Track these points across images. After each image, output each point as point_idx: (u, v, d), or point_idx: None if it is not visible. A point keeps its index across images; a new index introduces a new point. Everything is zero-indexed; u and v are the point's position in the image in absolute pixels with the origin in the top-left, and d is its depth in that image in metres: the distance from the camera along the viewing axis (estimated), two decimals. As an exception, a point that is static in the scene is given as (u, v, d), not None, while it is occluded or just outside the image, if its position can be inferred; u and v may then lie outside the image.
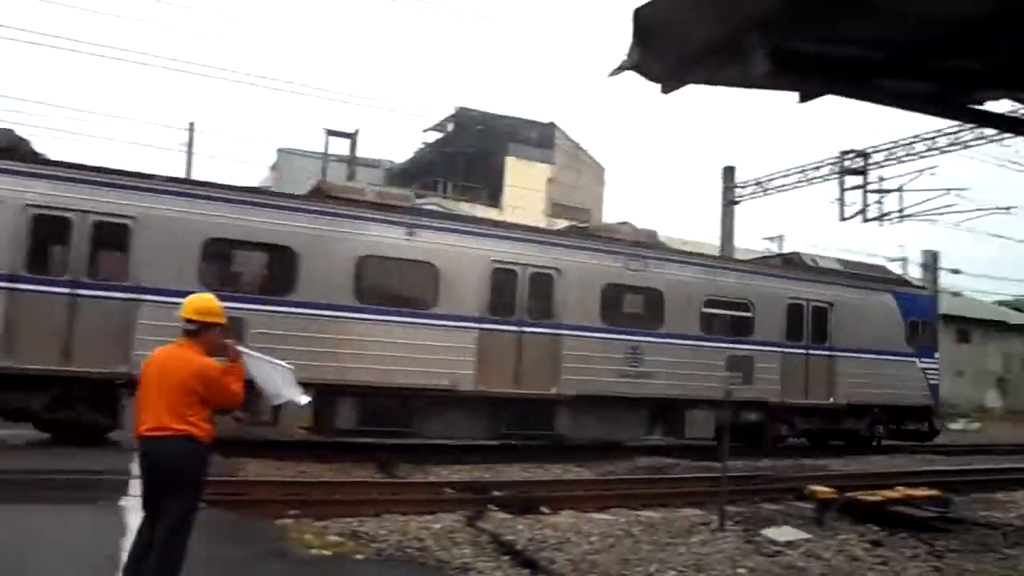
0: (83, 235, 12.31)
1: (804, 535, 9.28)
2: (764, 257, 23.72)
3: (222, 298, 5.37)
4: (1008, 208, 33.28)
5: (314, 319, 13.45)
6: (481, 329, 14.82)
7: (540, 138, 44.84)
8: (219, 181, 14.40)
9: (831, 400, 19.21)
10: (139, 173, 13.10)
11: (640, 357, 16.30)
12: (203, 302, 5.12)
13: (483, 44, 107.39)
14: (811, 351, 18.97)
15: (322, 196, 14.68)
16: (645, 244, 17.33)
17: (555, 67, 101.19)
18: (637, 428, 17.01)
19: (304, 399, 5.60)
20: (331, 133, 29.97)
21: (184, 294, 5.45)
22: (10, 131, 12.95)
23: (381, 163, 43.76)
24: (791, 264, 20.36)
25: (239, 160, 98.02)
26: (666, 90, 3.82)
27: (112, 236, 12.52)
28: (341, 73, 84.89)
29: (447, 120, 45.68)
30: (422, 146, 49.31)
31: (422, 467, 13.26)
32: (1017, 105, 4.73)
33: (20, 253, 11.91)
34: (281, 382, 5.41)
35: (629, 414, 16.75)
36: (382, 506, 9.47)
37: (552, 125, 45.69)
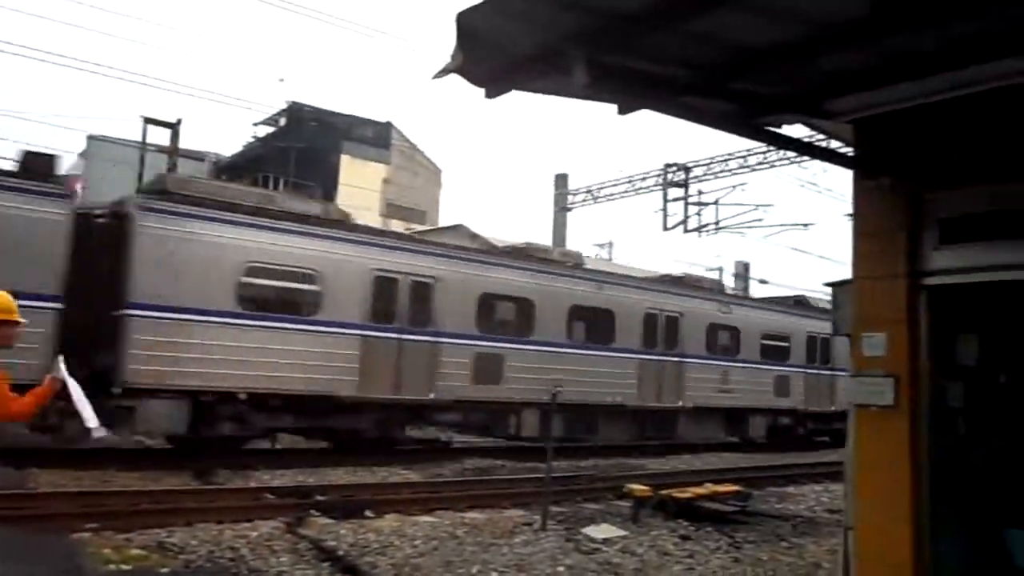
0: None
1: (621, 532, 9.69)
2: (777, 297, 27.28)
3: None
4: (806, 225, 36.83)
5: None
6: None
7: (376, 137, 44.22)
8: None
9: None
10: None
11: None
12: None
13: (317, 39, 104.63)
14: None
15: (165, 190, 13.83)
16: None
17: (391, 67, 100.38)
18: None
19: (99, 432, 5.30)
20: (149, 121, 27.98)
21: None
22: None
23: (206, 155, 41.46)
24: (800, 304, 24.87)
25: (44, 146, 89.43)
26: (490, 95, 3.86)
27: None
28: (163, 59, 79.87)
29: (279, 114, 44.08)
30: (252, 140, 47.29)
31: (243, 473, 12.69)
32: (810, 130, 5.18)
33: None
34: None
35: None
36: (195, 515, 8.92)
37: (388, 124, 45.23)
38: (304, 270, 14.26)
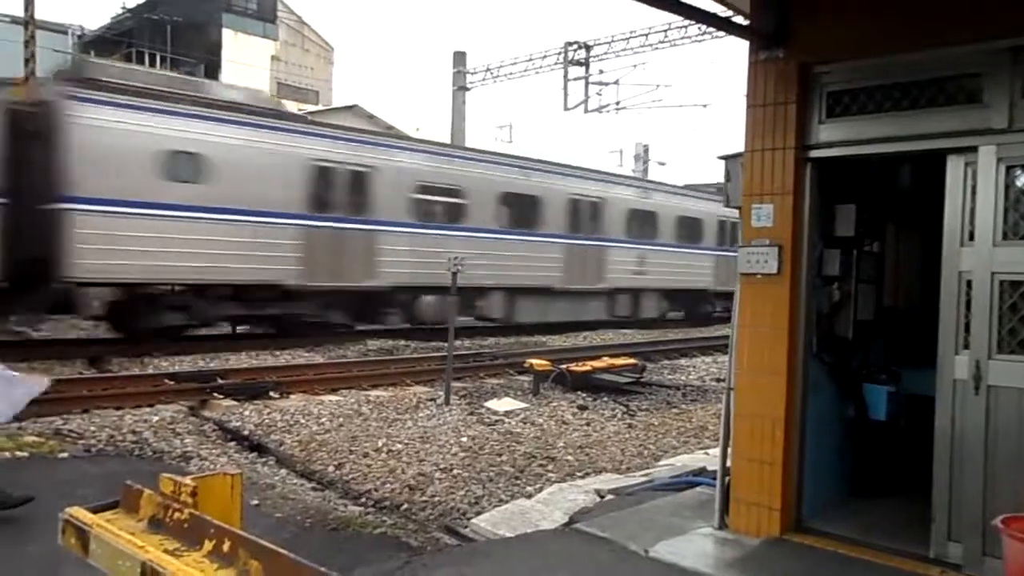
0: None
1: (521, 404, 10.11)
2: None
3: None
4: (705, 105, 37.60)
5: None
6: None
7: (260, 10, 41.48)
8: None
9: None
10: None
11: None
12: None
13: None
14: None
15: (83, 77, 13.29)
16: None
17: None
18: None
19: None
20: (1, -12, 25.18)
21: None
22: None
23: (69, 28, 38.00)
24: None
25: None
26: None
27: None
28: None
29: (150, -17, 40.60)
30: (120, 11, 43.52)
31: (140, 360, 12.43)
32: (713, 2, 5.19)
33: None
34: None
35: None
36: (92, 402, 8.76)
37: (274, -4, 42.44)
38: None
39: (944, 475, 4.34)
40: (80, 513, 2.30)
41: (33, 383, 5.03)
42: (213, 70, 38.52)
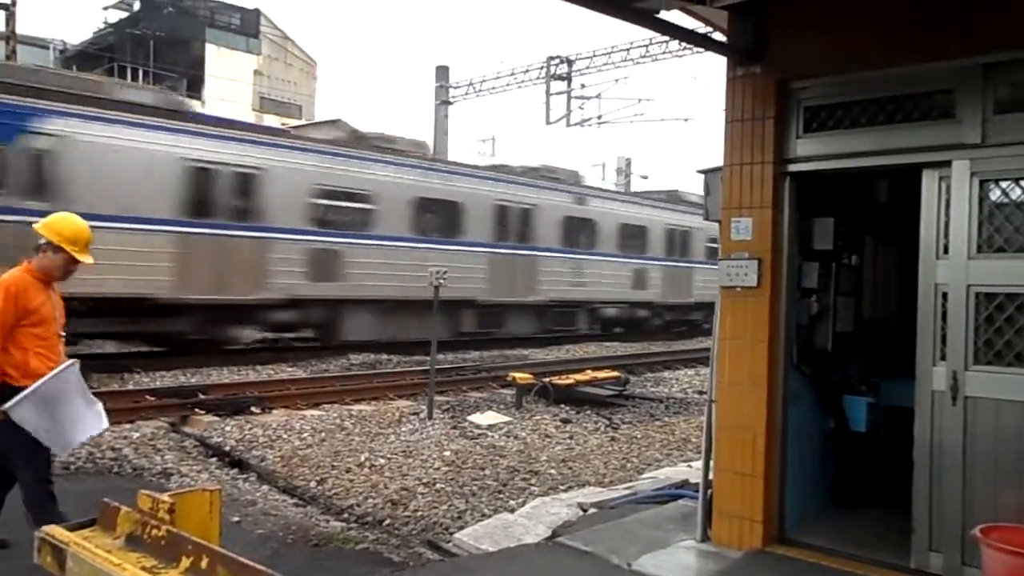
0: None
1: (505, 418, 10.10)
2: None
3: None
4: (686, 119, 38.08)
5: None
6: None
7: (243, 25, 41.54)
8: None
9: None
10: None
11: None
12: None
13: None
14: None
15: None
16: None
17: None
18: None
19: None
20: (-19, 2, 25.04)
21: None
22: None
23: (51, 42, 37.85)
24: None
25: None
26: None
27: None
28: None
29: (131, -4, 40.57)
30: (103, 26, 43.43)
31: (120, 376, 12.31)
32: (691, 18, 5.26)
33: None
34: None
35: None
36: (69, 420, 8.63)
37: (257, 12, 42.52)
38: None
39: (924, 486, 4.37)
40: (57, 531, 2.28)
41: (101, 421, 4.55)
42: (196, 85, 38.48)
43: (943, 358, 4.32)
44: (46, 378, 4.12)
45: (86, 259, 4.35)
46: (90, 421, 4.39)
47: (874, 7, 4.49)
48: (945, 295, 4.32)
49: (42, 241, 4.29)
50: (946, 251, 4.33)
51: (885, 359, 5.74)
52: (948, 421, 4.29)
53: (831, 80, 4.71)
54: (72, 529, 2.32)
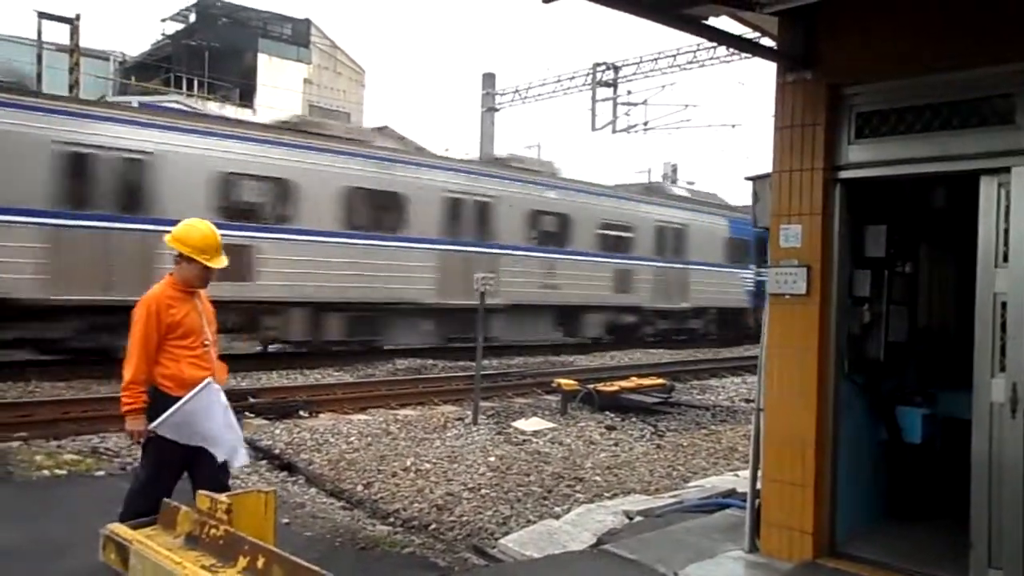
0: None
1: (550, 424, 10.09)
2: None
3: None
4: (734, 125, 37.64)
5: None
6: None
7: (294, 35, 42.28)
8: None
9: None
10: None
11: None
12: None
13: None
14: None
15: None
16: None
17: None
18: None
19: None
20: (44, 16, 25.88)
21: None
22: None
23: (112, 55, 39.02)
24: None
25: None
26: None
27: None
28: (59, -55, 73.72)
29: (187, 10, 41.55)
30: (160, 38, 44.61)
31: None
32: (740, 24, 5.23)
33: None
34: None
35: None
36: (127, 421, 8.83)
37: (307, 22, 43.25)
38: None
39: (982, 500, 4.26)
40: (121, 529, 2.36)
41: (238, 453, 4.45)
42: (248, 94, 39.31)
43: (1002, 369, 4.21)
44: (184, 399, 4.10)
45: (218, 264, 4.31)
46: (230, 444, 4.32)
47: (930, 12, 4.41)
48: (1004, 304, 4.21)
49: (175, 253, 4.30)
50: (1005, 259, 4.22)
51: (941, 369, 5.61)
52: (1007, 434, 4.17)
53: (884, 86, 4.63)
54: (135, 527, 2.40)
